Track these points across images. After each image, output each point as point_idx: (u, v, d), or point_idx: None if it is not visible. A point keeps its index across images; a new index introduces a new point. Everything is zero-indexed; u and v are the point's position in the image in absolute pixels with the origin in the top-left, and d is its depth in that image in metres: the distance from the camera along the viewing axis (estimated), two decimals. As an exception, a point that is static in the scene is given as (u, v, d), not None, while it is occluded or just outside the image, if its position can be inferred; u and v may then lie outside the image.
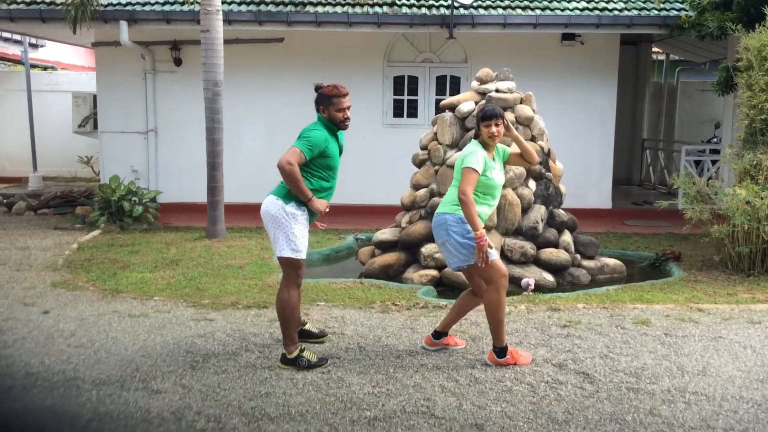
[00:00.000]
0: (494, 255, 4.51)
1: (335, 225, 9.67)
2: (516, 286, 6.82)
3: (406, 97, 11.16)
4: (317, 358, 4.61)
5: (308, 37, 10.76)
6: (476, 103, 7.55)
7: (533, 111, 7.53)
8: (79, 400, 4.02)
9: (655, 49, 14.87)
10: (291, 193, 4.57)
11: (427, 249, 7.09)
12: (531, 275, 6.85)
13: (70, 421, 3.75)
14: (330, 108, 4.62)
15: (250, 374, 4.44)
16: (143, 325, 5.44)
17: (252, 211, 10.46)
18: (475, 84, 7.71)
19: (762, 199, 6.85)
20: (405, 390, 4.21)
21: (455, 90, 10.76)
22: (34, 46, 15.94)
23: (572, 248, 7.36)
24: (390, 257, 7.31)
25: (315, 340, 4.99)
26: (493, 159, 4.69)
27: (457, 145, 7.52)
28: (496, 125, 4.59)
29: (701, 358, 4.80)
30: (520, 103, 7.49)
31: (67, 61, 18.38)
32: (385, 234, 7.60)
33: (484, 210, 4.66)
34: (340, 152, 4.80)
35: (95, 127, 11.85)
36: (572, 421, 3.80)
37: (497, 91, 7.44)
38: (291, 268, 4.58)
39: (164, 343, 5.00)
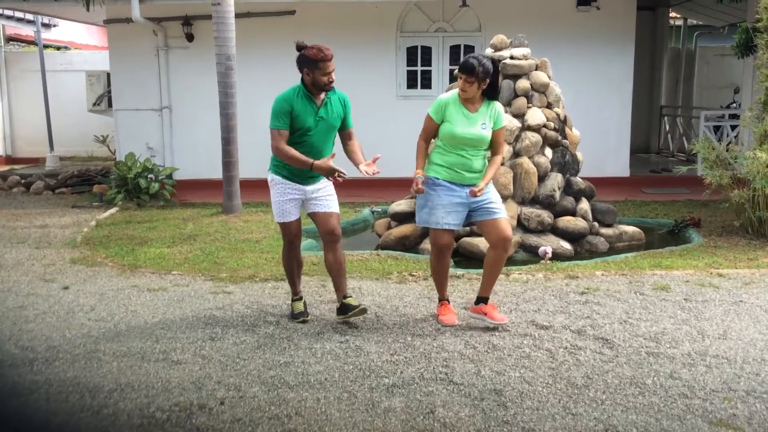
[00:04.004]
0: (436, 223, 4.63)
1: (350, 198, 9.66)
2: (533, 254, 6.79)
3: (419, 68, 11.06)
4: (296, 312, 4.93)
5: (320, 8, 10.67)
6: (491, 71, 7.45)
7: (549, 77, 7.43)
8: (100, 372, 4.07)
9: (672, 14, 14.60)
10: (271, 163, 4.87)
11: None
12: (548, 244, 6.81)
13: (91, 391, 3.79)
14: (316, 72, 4.55)
15: (269, 344, 4.46)
16: (162, 298, 5.48)
17: (267, 186, 10.51)
18: (489, 51, 7.61)
19: (783, 162, 6.74)
20: (423, 357, 4.22)
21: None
22: (47, 26, 15.94)
23: (590, 216, 7.30)
24: (406, 229, 7.28)
25: (351, 314, 4.72)
26: (473, 111, 4.57)
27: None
28: (468, 83, 4.48)
29: (722, 322, 4.76)
30: (536, 69, 7.40)
31: (80, 41, 18.39)
32: (401, 206, 7.57)
33: (452, 160, 4.60)
34: (341, 116, 4.77)
35: (110, 105, 11.88)
36: (591, 386, 3.79)
37: (512, 57, 7.34)
38: (280, 229, 4.95)
39: (183, 316, 5.04)
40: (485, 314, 4.75)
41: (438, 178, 4.64)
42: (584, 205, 7.34)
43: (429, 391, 3.76)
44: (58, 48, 17.07)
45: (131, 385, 3.87)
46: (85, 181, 11.46)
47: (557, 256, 6.70)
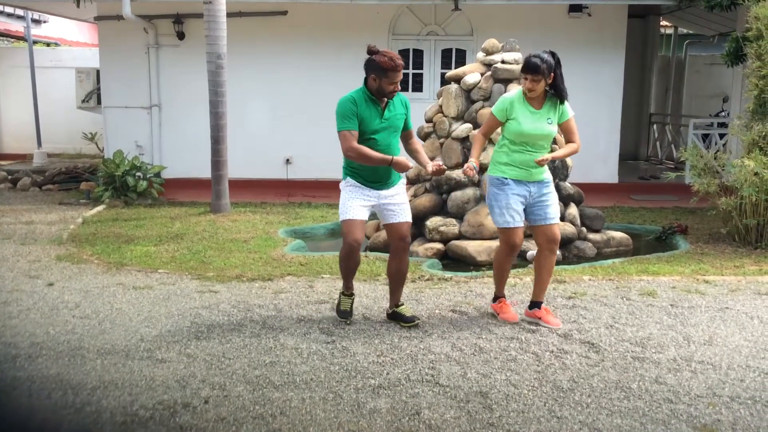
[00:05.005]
0: (507, 222, 4.68)
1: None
2: (522, 258, 6.79)
3: (411, 71, 11.06)
4: (342, 310, 4.89)
5: (312, 9, 10.67)
6: (482, 74, 7.47)
7: (539, 83, 7.43)
8: (83, 369, 4.03)
9: (663, 23, 14.69)
10: (345, 168, 4.76)
11: (433, 222, 7.05)
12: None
13: (74, 389, 3.75)
14: (383, 80, 4.52)
15: (255, 344, 4.44)
16: (148, 296, 5.44)
17: (256, 186, 10.54)
18: (480, 55, 7.62)
19: (770, 170, 6.78)
20: (409, 359, 4.21)
21: (461, 63, 10.64)
22: (37, 21, 15.85)
23: (578, 221, 7.32)
24: (395, 230, 7.26)
25: (404, 323, 4.81)
26: (539, 108, 4.64)
27: (462, 117, 7.45)
28: (534, 81, 4.53)
29: (707, 328, 4.78)
30: (526, 74, 7.40)
31: (71, 38, 18.28)
32: (390, 207, 7.55)
33: (519, 158, 4.66)
34: (404, 117, 4.77)
35: (99, 102, 11.81)
36: (577, 389, 3.79)
37: (503, 62, 7.35)
38: (342, 228, 4.74)
39: (169, 314, 5.01)
40: (539, 318, 4.81)
41: (506, 178, 4.70)
42: (573, 210, 7.35)
43: (415, 393, 3.75)
44: (48, 44, 16.97)
45: (115, 383, 3.84)
46: (73, 178, 11.38)
47: (545, 261, 6.69)
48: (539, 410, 3.56)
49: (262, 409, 3.55)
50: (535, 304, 4.88)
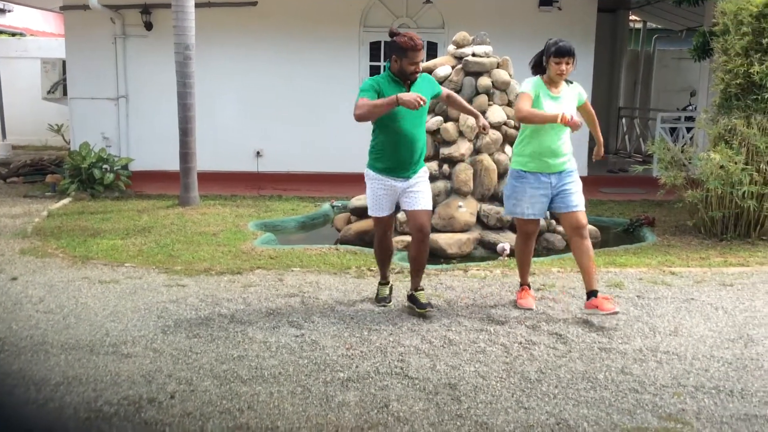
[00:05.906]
0: (523, 212, 4.86)
1: (311, 192, 9.61)
2: (492, 251, 6.83)
3: (382, 64, 11.02)
4: (380, 297, 5.10)
5: (282, 1, 10.57)
6: (453, 67, 7.47)
7: (510, 75, 7.47)
8: (47, 364, 3.96)
9: (632, 17, 14.83)
10: (368, 158, 4.88)
11: (403, 215, 7.03)
12: (506, 240, 6.84)
13: (37, 384, 3.68)
14: (403, 60, 4.58)
15: (223, 338, 4.39)
16: (114, 291, 5.36)
17: (226, 178, 10.45)
18: (451, 48, 7.62)
19: (736, 163, 6.88)
20: (379, 352, 4.20)
21: (432, 56, 10.62)
22: (2, 11, 15.55)
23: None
24: (366, 224, 7.24)
25: (417, 308, 4.85)
26: (557, 93, 4.77)
27: (432, 110, 7.44)
28: (567, 64, 4.67)
29: (673, 319, 4.84)
30: (497, 67, 7.43)
31: (36, 28, 17.96)
32: (361, 201, 7.52)
33: (539, 148, 4.77)
34: (430, 94, 4.87)
35: (65, 93, 11.61)
36: (544, 380, 3.82)
37: (474, 55, 7.36)
38: (373, 223, 5.03)
39: (135, 309, 4.94)
40: (596, 307, 4.75)
41: (525, 171, 4.82)
42: (542, 202, 7.38)
43: (384, 386, 3.74)
44: (13, 34, 16.64)
45: (79, 379, 3.77)
46: (38, 171, 11.16)
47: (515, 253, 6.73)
48: (507, 401, 3.57)
49: (229, 404, 3.52)
50: (590, 294, 4.81)
